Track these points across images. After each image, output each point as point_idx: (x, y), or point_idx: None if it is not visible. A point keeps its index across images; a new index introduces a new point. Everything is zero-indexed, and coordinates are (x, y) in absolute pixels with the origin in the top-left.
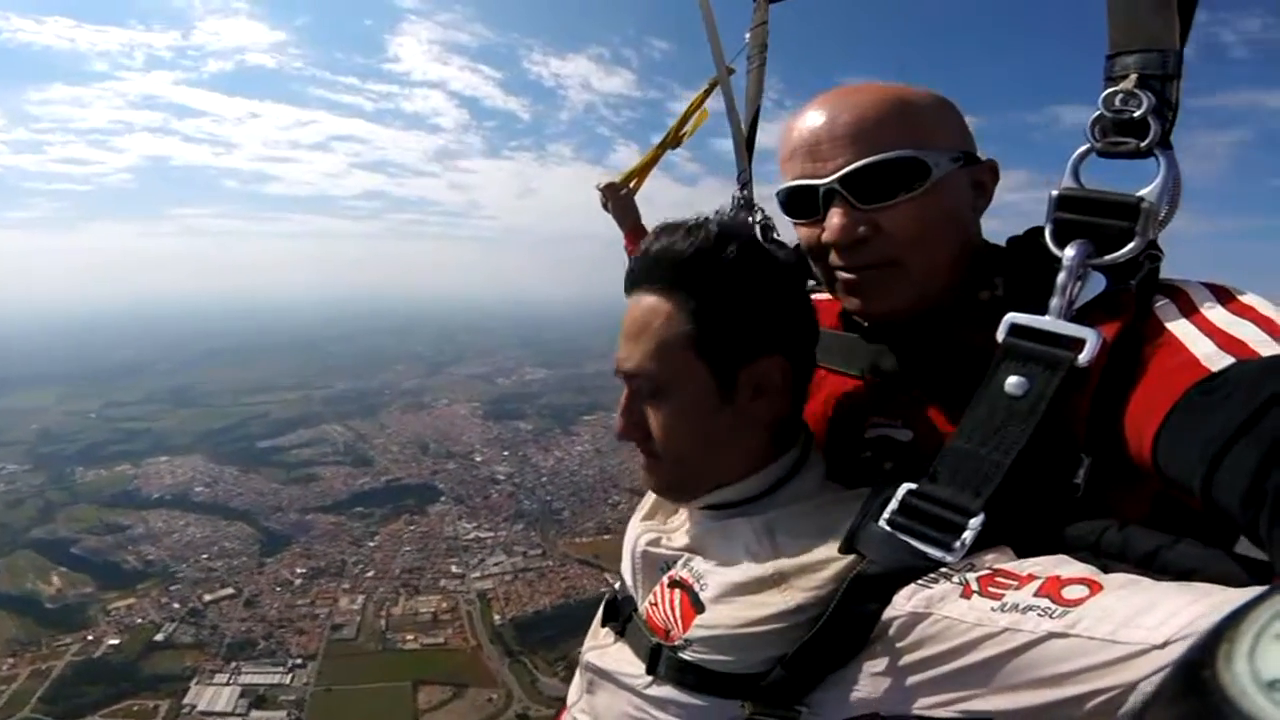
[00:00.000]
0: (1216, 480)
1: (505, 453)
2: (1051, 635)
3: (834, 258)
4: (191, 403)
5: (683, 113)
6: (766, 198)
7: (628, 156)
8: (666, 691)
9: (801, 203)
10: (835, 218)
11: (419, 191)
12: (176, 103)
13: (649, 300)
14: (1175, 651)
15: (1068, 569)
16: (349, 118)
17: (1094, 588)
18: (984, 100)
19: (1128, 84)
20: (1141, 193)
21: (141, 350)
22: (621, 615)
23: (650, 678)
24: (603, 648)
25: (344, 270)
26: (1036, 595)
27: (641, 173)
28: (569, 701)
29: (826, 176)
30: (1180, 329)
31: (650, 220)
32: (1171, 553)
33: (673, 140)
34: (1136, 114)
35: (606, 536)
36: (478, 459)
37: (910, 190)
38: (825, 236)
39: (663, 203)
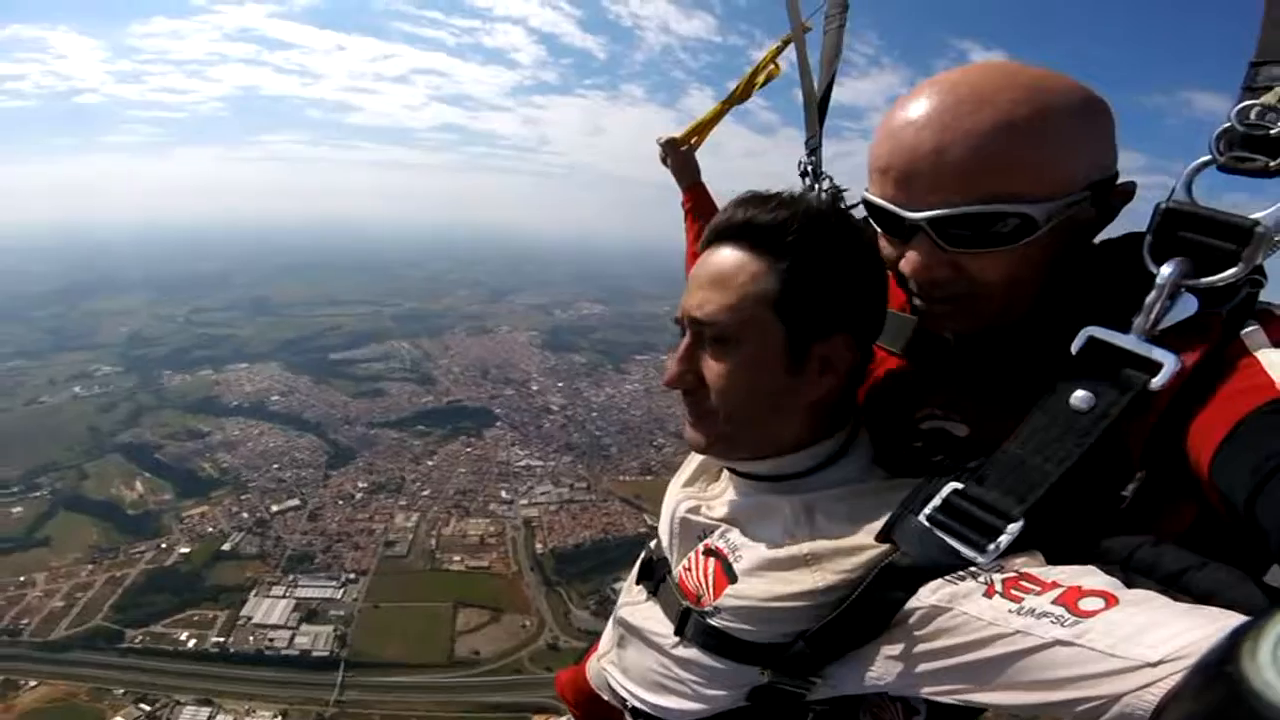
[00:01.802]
0: (1260, 501)
1: (559, 384)
2: (1058, 642)
3: (909, 282)
4: (270, 312)
5: (752, 68)
6: (834, 156)
7: (701, 101)
8: (692, 653)
9: (886, 221)
10: (915, 254)
11: (492, 125)
12: (269, 35)
13: (736, 254)
14: (1166, 670)
15: (1090, 580)
16: (431, 51)
17: (1110, 601)
18: (1105, 74)
19: (1270, 97)
20: (1257, 215)
21: (225, 263)
22: (655, 576)
23: (677, 639)
24: (635, 604)
25: (415, 199)
26: (1054, 603)
27: (704, 129)
28: (600, 651)
29: (915, 211)
30: (1265, 355)
31: (718, 170)
32: (1198, 575)
33: (740, 96)
34: (1274, 131)
35: (649, 477)
36: (534, 387)
37: (1007, 244)
38: (903, 268)
39: (735, 151)
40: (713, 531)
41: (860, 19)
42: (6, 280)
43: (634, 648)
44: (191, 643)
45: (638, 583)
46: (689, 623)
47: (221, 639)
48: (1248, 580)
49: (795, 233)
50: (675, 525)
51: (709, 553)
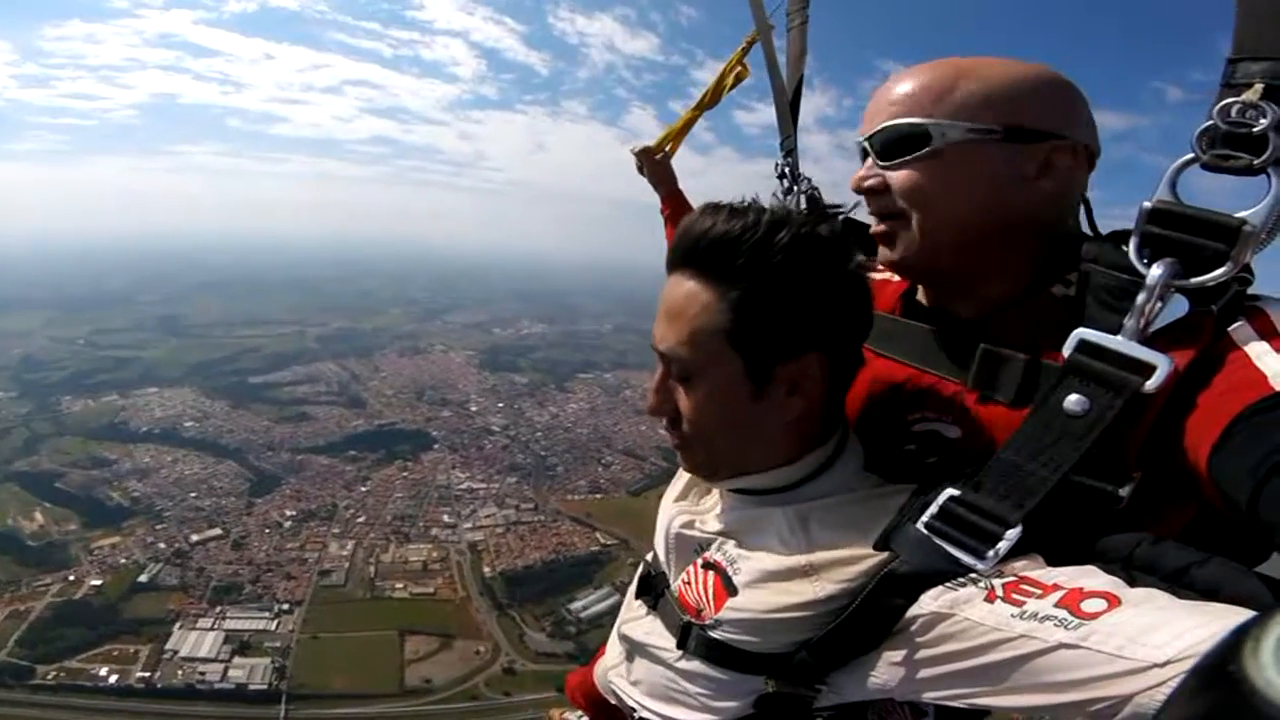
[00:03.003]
0: (1263, 498)
1: (500, 404)
2: (1062, 645)
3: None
4: (183, 333)
5: (721, 70)
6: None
7: (643, 120)
8: (695, 665)
9: (861, 155)
10: (860, 169)
11: (427, 139)
12: (193, 42)
13: (689, 284)
14: (1174, 670)
15: (1092, 581)
16: (365, 63)
17: (1112, 602)
18: None
19: (1251, 94)
20: (1244, 214)
21: (133, 280)
22: (654, 590)
23: (680, 652)
24: (636, 619)
25: (345, 213)
26: (1056, 606)
27: (678, 136)
28: (608, 663)
29: (864, 137)
30: (1253, 348)
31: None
32: (1201, 570)
33: (710, 101)
34: (1256, 128)
35: (598, 495)
36: (473, 409)
37: (910, 155)
38: (850, 181)
39: (676, 170)
40: (709, 545)
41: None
42: None
43: (640, 661)
44: (113, 678)
45: (637, 597)
46: (691, 636)
47: (147, 674)
48: (1251, 575)
49: (746, 256)
50: (670, 540)
51: (707, 566)
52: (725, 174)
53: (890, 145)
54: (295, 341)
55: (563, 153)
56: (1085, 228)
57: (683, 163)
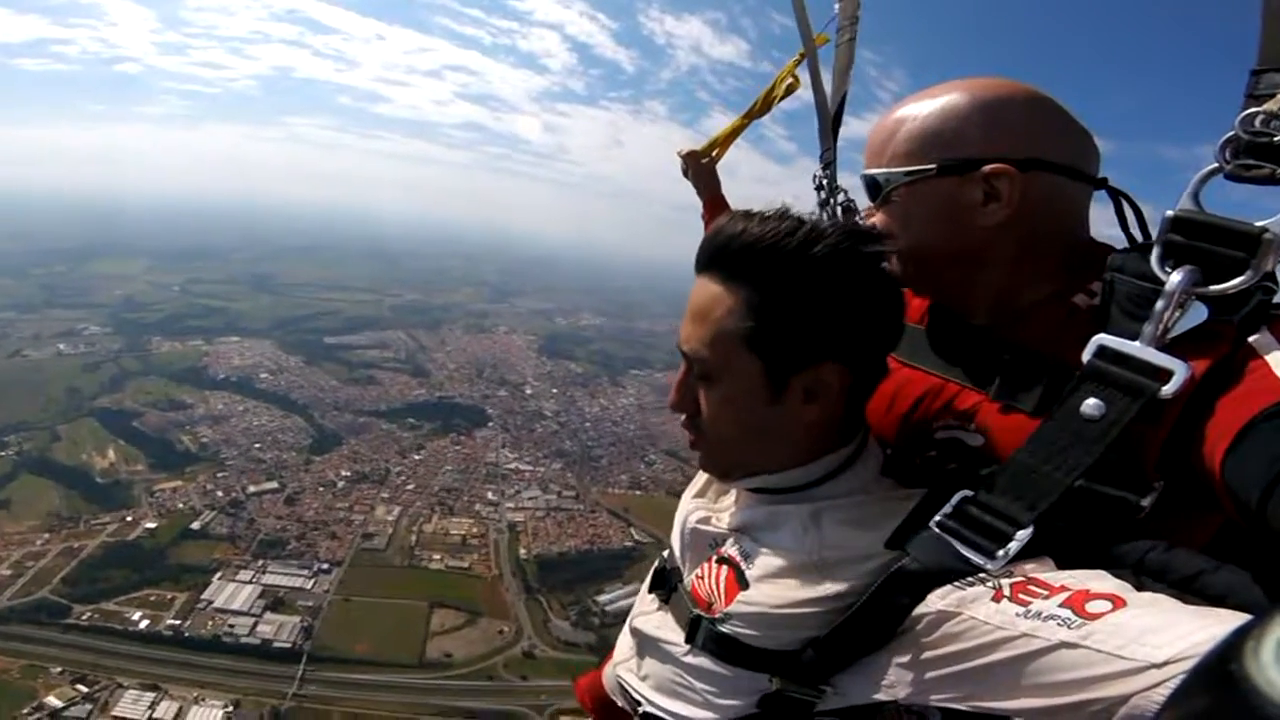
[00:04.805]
0: (1273, 501)
1: (554, 390)
2: (1063, 645)
3: None
4: (270, 290)
5: (771, 81)
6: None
7: (721, 124)
8: (702, 661)
9: None
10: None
11: (514, 128)
12: (314, 18)
13: (714, 287)
14: (1172, 670)
15: (1099, 584)
16: (466, 49)
17: (1117, 604)
18: (1123, 128)
19: (1273, 105)
20: (1265, 223)
21: (232, 238)
22: (668, 585)
23: (688, 647)
24: (648, 614)
25: (431, 194)
26: (1061, 606)
27: (725, 142)
28: (616, 659)
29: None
30: (1274, 357)
31: (731, 192)
32: (1211, 577)
33: (760, 109)
34: (1278, 138)
35: (638, 492)
36: (528, 391)
37: (873, 199)
38: None
39: (748, 176)
40: (724, 540)
41: (891, 54)
42: (14, 238)
43: (650, 656)
44: (144, 623)
45: (651, 591)
46: (700, 630)
47: (177, 622)
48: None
49: (771, 262)
50: (686, 535)
51: (721, 561)
52: (804, 186)
53: (866, 192)
54: (371, 308)
55: (637, 151)
56: (1136, 234)
57: (759, 170)
